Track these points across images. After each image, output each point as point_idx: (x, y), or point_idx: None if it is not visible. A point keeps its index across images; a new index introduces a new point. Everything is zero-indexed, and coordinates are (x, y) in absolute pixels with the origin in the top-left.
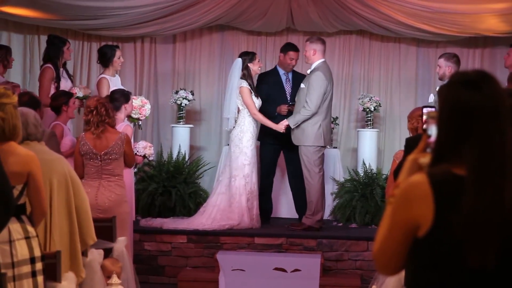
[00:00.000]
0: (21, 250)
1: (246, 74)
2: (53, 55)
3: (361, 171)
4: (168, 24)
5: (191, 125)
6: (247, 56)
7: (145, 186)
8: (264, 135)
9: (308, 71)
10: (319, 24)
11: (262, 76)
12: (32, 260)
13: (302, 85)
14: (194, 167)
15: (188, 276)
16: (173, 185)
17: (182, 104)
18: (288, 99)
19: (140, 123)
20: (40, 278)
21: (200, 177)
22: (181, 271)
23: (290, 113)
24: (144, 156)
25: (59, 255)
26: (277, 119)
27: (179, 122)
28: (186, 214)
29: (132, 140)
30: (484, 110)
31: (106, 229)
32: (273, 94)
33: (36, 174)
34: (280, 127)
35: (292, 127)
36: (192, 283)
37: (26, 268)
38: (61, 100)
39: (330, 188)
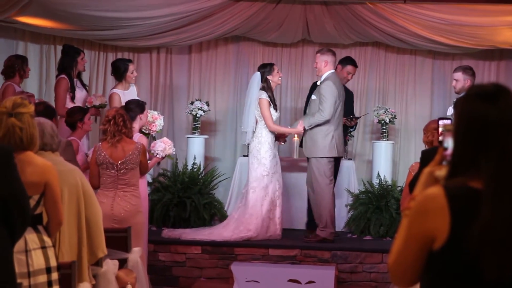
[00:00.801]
0: (37, 260)
1: (266, 87)
2: (67, 65)
3: (376, 183)
4: (184, 34)
5: (206, 136)
6: (265, 69)
7: (160, 196)
8: None
9: (318, 82)
10: (334, 35)
11: (314, 86)
12: (48, 270)
13: (313, 97)
14: (209, 178)
15: (203, 287)
16: (187, 196)
17: (198, 115)
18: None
19: (154, 135)
20: None
21: (215, 188)
22: (195, 282)
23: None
24: (165, 157)
25: (74, 265)
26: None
27: (194, 132)
28: (201, 225)
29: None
30: (501, 123)
31: (121, 239)
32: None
33: (53, 184)
34: (299, 128)
35: (307, 128)
36: None
37: (42, 278)
38: (76, 117)
39: (345, 200)
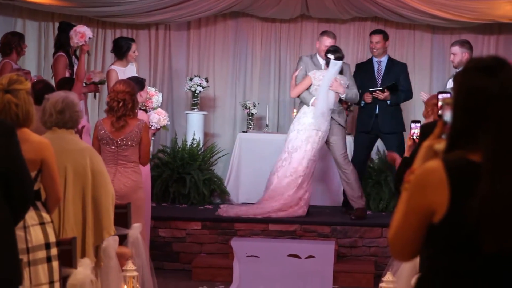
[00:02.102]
0: (36, 236)
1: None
2: (65, 42)
3: (375, 158)
4: (183, 11)
5: (205, 112)
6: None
7: (159, 172)
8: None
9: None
10: (334, 11)
11: (358, 66)
12: (47, 246)
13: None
14: (208, 154)
15: (203, 263)
16: (187, 172)
17: (197, 91)
18: (378, 85)
19: (150, 111)
20: (55, 264)
21: (214, 164)
22: (196, 257)
23: (376, 100)
24: (159, 128)
25: (75, 241)
26: (365, 107)
27: (194, 109)
28: (201, 201)
29: None
30: (500, 96)
31: (121, 216)
32: (364, 82)
33: (50, 161)
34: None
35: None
36: (206, 270)
37: (41, 254)
38: (65, 87)
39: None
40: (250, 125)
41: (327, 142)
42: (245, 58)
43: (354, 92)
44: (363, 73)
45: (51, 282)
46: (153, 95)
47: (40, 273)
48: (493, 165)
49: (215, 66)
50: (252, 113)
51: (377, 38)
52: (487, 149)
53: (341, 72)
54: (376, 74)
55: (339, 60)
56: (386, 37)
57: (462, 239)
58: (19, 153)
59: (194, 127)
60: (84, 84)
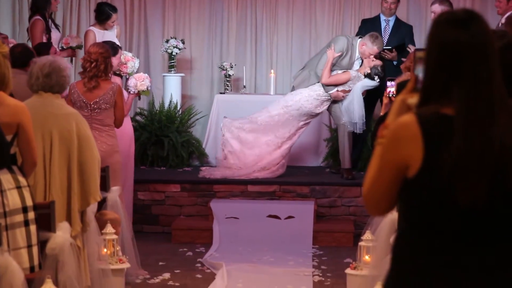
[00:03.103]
0: (13, 200)
1: None
2: (41, 5)
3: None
4: None
5: (182, 74)
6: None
7: (137, 135)
8: None
9: None
10: None
11: (363, 22)
12: (25, 210)
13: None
14: (186, 116)
15: (182, 225)
16: (165, 135)
17: (173, 53)
18: (384, 45)
19: (127, 76)
20: (33, 227)
21: (192, 126)
22: (175, 220)
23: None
24: (139, 93)
25: (53, 205)
26: None
27: (170, 71)
28: (179, 163)
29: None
30: (472, 49)
31: (100, 179)
32: None
33: (26, 125)
34: None
35: None
36: (186, 232)
37: (19, 218)
38: (41, 51)
39: (324, 135)
40: (228, 86)
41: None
42: (221, 19)
43: None
44: (368, 29)
45: (29, 246)
46: (129, 60)
47: (18, 237)
48: (466, 118)
49: (191, 28)
50: (229, 74)
51: None
52: (459, 102)
53: None
54: (383, 32)
55: (381, 81)
56: None
57: (437, 194)
58: None
59: (171, 89)
60: (60, 49)
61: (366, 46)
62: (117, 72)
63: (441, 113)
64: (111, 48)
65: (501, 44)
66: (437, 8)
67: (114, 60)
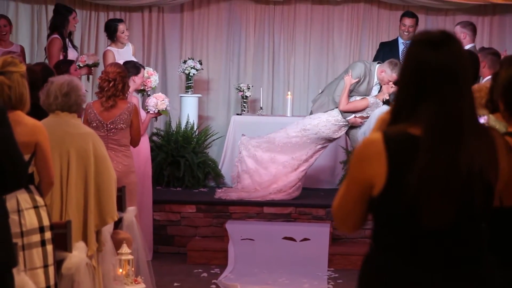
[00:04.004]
0: (30, 220)
1: None
2: (59, 24)
3: None
4: None
5: (199, 95)
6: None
7: (153, 156)
8: None
9: None
10: None
11: (381, 45)
12: (41, 230)
13: None
14: (202, 137)
15: (198, 246)
16: (181, 155)
17: (190, 74)
18: None
19: (149, 93)
20: (49, 247)
21: (208, 147)
22: (191, 240)
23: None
24: (159, 113)
25: (69, 225)
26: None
27: (187, 91)
28: (195, 184)
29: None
30: (441, 71)
31: (116, 199)
32: None
33: (44, 144)
34: None
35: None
36: (201, 253)
37: (36, 238)
38: (62, 69)
39: (340, 157)
40: (244, 107)
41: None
42: (239, 40)
43: None
44: (386, 53)
45: (46, 266)
46: (152, 75)
47: (34, 257)
48: (431, 141)
49: (208, 49)
50: (246, 96)
51: (410, 21)
52: (426, 123)
53: None
54: (400, 56)
55: None
56: (417, 20)
57: (401, 213)
58: (10, 134)
59: (188, 110)
60: (78, 67)
61: (385, 73)
62: (142, 88)
63: (408, 133)
64: (134, 68)
65: None
66: (458, 29)
67: (137, 79)
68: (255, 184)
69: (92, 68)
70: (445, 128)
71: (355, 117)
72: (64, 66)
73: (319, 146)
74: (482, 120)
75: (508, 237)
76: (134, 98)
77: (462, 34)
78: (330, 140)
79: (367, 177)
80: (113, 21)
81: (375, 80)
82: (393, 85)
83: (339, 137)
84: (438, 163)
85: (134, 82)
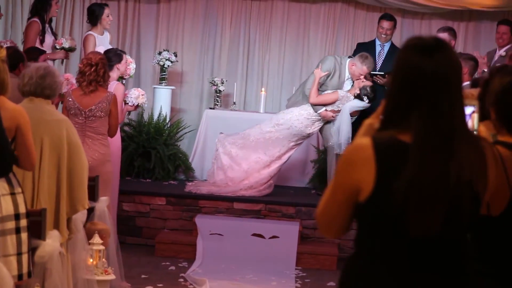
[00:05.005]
0: (6, 206)
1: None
2: (41, 8)
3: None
4: None
5: (173, 87)
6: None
7: (124, 146)
8: None
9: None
10: None
11: (359, 46)
12: (17, 217)
13: None
14: (174, 129)
15: (166, 239)
16: (153, 147)
17: (165, 66)
18: (377, 70)
19: (123, 82)
20: (24, 235)
21: (180, 140)
22: (159, 233)
23: (374, 83)
24: (137, 106)
25: (45, 213)
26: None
27: (161, 83)
28: (165, 176)
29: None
30: (434, 78)
31: (89, 189)
32: None
33: (24, 128)
34: None
35: None
36: (169, 245)
37: (10, 224)
38: (30, 55)
39: (311, 156)
40: (217, 102)
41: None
42: (214, 34)
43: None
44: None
45: (19, 254)
46: (130, 62)
47: (8, 244)
48: (421, 148)
49: (183, 41)
50: (219, 90)
51: (388, 24)
52: (416, 130)
53: None
54: (377, 57)
55: (370, 102)
56: (395, 24)
57: (388, 220)
58: None
59: (161, 101)
60: (54, 48)
61: (355, 67)
62: (120, 76)
63: (398, 139)
64: (116, 55)
65: (508, 80)
66: (444, 36)
67: (121, 67)
68: (228, 179)
69: (68, 53)
70: (436, 136)
71: (326, 110)
72: (34, 53)
73: (292, 143)
74: (470, 110)
75: (494, 246)
76: (120, 86)
77: (450, 41)
78: (303, 136)
79: (354, 182)
80: (98, 5)
81: (347, 74)
82: (364, 79)
83: (312, 133)
84: (427, 171)
85: (118, 70)
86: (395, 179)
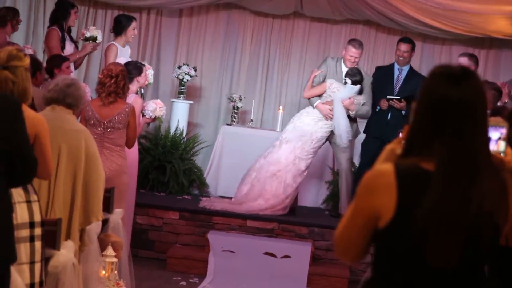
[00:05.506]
0: (21, 214)
1: None
2: (60, 16)
3: (357, 162)
4: None
5: (191, 101)
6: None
7: (140, 158)
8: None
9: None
10: (327, 11)
11: (377, 69)
12: (31, 225)
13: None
14: (190, 144)
15: (178, 253)
16: (168, 160)
17: (184, 80)
18: (395, 93)
19: (142, 91)
20: (38, 244)
21: (195, 155)
22: (171, 247)
23: (391, 107)
24: (155, 118)
25: (60, 223)
26: (379, 113)
27: (179, 97)
28: (179, 190)
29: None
30: (459, 107)
31: (104, 200)
32: (381, 87)
33: (43, 136)
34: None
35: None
36: (181, 260)
37: (25, 232)
38: (54, 62)
39: (326, 177)
40: (235, 118)
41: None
42: (235, 50)
43: (365, 109)
44: (381, 78)
45: (32, 263)
46: (148, 68)
47: (21, 252)
48: (443, 176)
49: (203, 56)
50: (237, 107)
51: (406, 47)
52: (440, 159)
53: (361, 91)
54: (395, 81)
55: (356, 84)
56: (413, 47)
57: (407, 248)
58: (24, 129)
59: (178, 115)
60: (82, 39)
61: (345, 51)
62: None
63: (420, 167)
64: (136, 68)
65: None
66: (465, 61)
67: (141, 79)
68: (244, 198)
69: (96, 44)
70: (459, 165)
71: (321, 103)
72: (57, 60)
73: (298, 150)
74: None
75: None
76: (138, 99)
77: (470, 66)
78: (311, 141)
79: (374, 208)
80: (126, 17)
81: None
82: (354, 61)
83: (318, 136)
84: (449, 200)
85: (138, 82)
86: (416, 206)
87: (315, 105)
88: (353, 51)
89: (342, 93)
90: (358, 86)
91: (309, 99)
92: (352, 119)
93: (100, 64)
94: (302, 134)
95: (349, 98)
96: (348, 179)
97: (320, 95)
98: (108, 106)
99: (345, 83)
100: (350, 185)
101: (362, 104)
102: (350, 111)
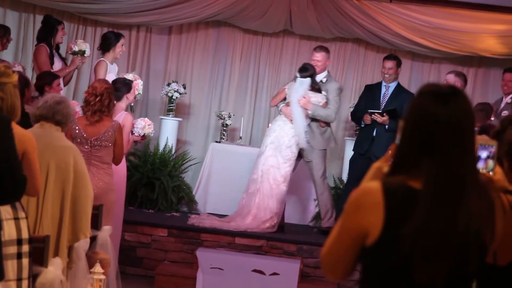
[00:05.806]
0: (9, 230)
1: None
2: (48, 33)
3: (345, 180)
4: (166, 15)
5: (180, 119)
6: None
7: (129, 176)
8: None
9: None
10: (317, 29)
11: (366, 87)
12: (19, 242)
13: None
14: (179, 161)
15: (166, 270)
16: (157, 177)
17: (173, 97)
18: (380, 109)
19: (133, 105)
20: (25, 261)
21: (184, 172)
22: (159, 264)
23: (375, 123)
24: (144, 136)
25: (48, 240)
26: (364, 129)
27: (169, 114)
28: (168, 207)
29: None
30: (448, 126)
31: (92, 217)
32: (368, 104)
33: (31, 153)
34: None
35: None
36: (169, 278)
37: (12, 249)
38: (44, 80)
39: (314, 195)
40: (224, 135)
41: (306, 160)
42: (224, 68)
43: (326, 112)
44: (369, 95)
45: (19, 279)
46: (138, 78)
47: (9, 269)
48: (431, 195)
49: (193, 73)
50: (226, 124)
51: (390, 64)
52: (427, 177)
53: (319, 89)
54: (381, 97)
55: (305, 78)
56: (399, 64)
57: (394, 266)
58: (13, 146)
59: (167, 132)
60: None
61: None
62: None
63: (408, 185)
64: (125, 85)
65: None
66: (451, 78)
67: (130, 96)
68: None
69: (84, 57)
70: (447, 184)
71: (284, 106)
72: (48, 78)
73: (279, 170)
74: (489, 151)
75: None
76: (129, 117)
77: (456, 83)
78: (285, 146)
79: (361, 226)
80: (114, 34)
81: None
82: (316, 65)
83: (289, 143)
84: (436, 219)
85: (128, 99)
86: (403, 225)
87: (279, 109)
88: (315, 55)
89: (296, 91)
90: (308, 79)
91: (276, 106)
92: (327, 125)
93: (89, 81)
94: (271, 141)
95: (304, 97)
96: (325, 194)
97: (284, 99)
98: (94, 125)
99: (295, 77)
100: (329, 199)
101: (322, 105)
102: (308, 111)
